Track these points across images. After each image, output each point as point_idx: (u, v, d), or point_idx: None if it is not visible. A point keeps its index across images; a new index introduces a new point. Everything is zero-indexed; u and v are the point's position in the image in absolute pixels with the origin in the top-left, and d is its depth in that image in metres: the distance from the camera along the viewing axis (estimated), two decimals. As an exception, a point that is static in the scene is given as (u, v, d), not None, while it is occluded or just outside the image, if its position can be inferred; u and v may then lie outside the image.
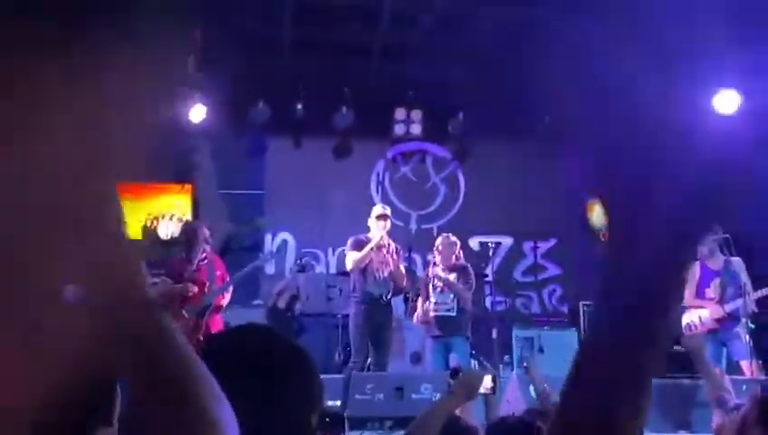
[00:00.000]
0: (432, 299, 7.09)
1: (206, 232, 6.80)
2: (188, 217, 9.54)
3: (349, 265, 7.12)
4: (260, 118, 9.48)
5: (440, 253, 7.15)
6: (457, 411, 3.29)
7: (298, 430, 1.07)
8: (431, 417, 3.01)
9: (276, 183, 10.09)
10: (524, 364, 4.46)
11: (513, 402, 6.07)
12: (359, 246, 7.11)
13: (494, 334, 7.38)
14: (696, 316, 6.96)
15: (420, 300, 7.34)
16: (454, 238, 7.30)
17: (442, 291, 7.06)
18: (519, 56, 8.74)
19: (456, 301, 7.03)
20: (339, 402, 6.29)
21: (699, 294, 7.01)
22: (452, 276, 7.06)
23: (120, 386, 1.81)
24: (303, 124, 9.76)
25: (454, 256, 7.16)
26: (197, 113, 8.96)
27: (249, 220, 9.92)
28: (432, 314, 7.07)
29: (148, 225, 9.85)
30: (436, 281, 7.12)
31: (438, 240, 7.30)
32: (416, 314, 7.33)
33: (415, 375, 7.00)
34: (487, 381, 3.23)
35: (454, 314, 7.02)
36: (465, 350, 7.07)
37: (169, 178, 9.89)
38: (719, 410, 3.72)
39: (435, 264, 7.22)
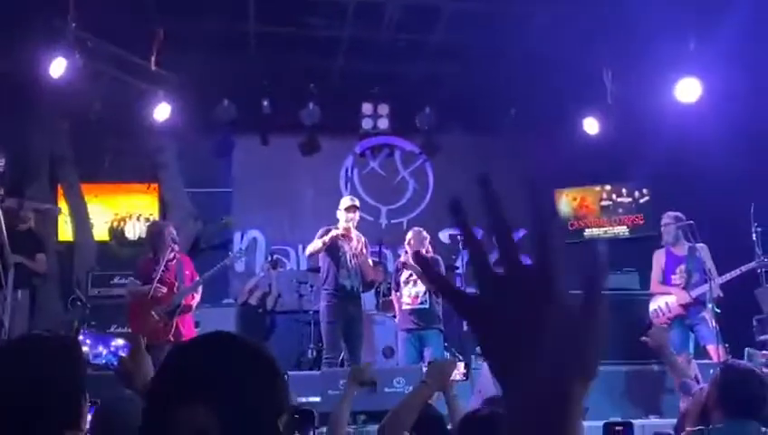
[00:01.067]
0: (404, 292, 7.12)
1: (173, 232, 6.74)
2: (155, 216, 9.45)
3: (307, 251, 7.17)
4: (226, 115, 9.42)
5: (411, 246, 7.18)
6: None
7: (262, 433, 1.07)
8: (405, 408, 3.03)
9: (244, 181, 10.03)
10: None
11: (485, 392, 6.10)
12: (324, 234, 7.10)
13: (466, 326, 7.39)
14: (663, 302, 7.05)
15: (393, 294, 7.37)
16: (424, 232, 7.33)
17: (415, 284, 7.09)
18: (484, 49, 8.79)
19: (428, 294, 7.06)
20: (318, 398, 6.27)
21: (665, 280, 7.10)
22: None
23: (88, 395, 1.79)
24: (270, 121, 9.71)
25: (424, 250, 7.19)
26: (162, 112, 8.86)
27: (217, 219, 9.85)
28: (405, 307, 7.09)
29: (115, 226, 9.74)
30: (406, 274, 7.15)
31: (409, 234, 7.33)
32: (394, 305, 7.36)
33: (388, 369, 6.99)
34: (460, 368, 3.24)
35: (427, 306, 7.06)
36: (438, 342, 7.11)
37: (135, 178, 9.79)
38: (685, 396, 3.79)
39: (405, 259, 7.24)
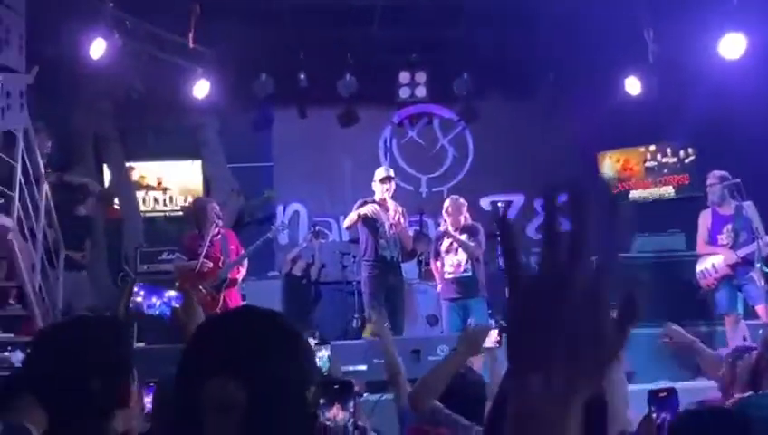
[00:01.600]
0: (446, 261, 7.13)
1: (216, 207, 6.83)
2: (199, 193, 9.59)
3: (344, 224, 7.22)
4: (263, 90, 9.46)
5: (450, 215, 7.16)
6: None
7: (291, 406, 1.08)
8: (435, 375, 3.05)
9: (284, 154, 10.10)
10: None
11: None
12: (361, 206, 7.15)
13: (508, 293, 7.38)
14: (710, 263, 6.94)
15: (432, 262, 7.38)
16: (461, 199, 7.31)
17: (456, 252, 7.08)
18: (521, 12, 8.66)
19: (470, 262, 7.05)
20: (364, 367, 6.35)
21: (712, 240, 6.98)
22: (463, 237, 7.07)
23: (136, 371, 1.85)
24: (307, 94, 9.73)
25: (462, 217, 7.17)
26: (201, 89, 8.95)
27: (259, 193, 9.95)
28: (448, 276, 7.10)
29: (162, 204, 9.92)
30: (446, 243, 7.14)
31: (447, 202, 7.31)
32: (436, 275, 7.36)
33: (431, 337, 7.05)
34: (493, 335, 3.23)
35: (470, 274, 7.06)
36: (482, 310, 7.11)
37: (178, 155, 9.92)
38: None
39: (445, 228, 7.21)
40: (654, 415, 2.06)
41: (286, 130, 10.16)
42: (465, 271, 7.05)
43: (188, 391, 1.07)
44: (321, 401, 1.98)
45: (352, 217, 7.10)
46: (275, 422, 1.07)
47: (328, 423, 1.97)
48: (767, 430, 1.87)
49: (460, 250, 7.05)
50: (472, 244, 7.03)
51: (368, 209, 7.07)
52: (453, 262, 7.08)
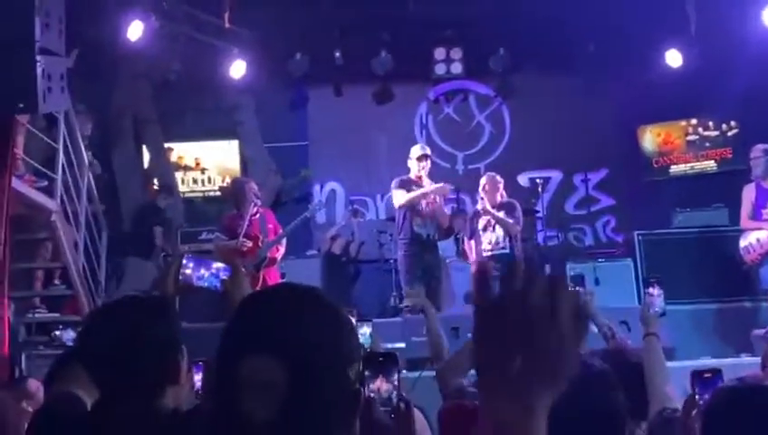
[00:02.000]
0: (484, 239, 7.08)
1: (254, 187, 6.87)
2: (237, 173, 9.66)
3: (399, 201, 7.10)
4: (299, 69, 9.47)
5: (486, 192, 7.09)
6: None
7: (333, 385, 1.05)
8: (464, 353, 3.04)
9: (320, 133, 10.11)
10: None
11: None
12: (405, 184, 7.11)
13: (547, 269, 7.34)
14: (754, 238, 6.81)
15: (467, 242, 7.34)
16: (498, 177, 7.23)
17: (494, 229, 7.03)
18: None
19: (508, 238, 7.00)
20: (402, 344, 6.37)
21: (756, 215, 6.84)
22: (500, 214, 7.02)
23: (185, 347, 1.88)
24: (343, 72, 9.71)
25: (499, 195, 7.10)
26: (238, 69, 8.99)
27: (296, 172, 9.99)
28: (486, 253, 7.05)
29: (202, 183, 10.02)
30: (484, 221, 7.08)
31: (483, 180, 7.23)
32: (470, 254, 7.33)
33: (470, 315, 7.03)
34: None
35: (507, 251, 7.00)
36: None
37: (216, 135, 10.00)
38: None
39: (482, 206, 7.15)
40: (697, 396, 2.03)
41: (322, 108, 10.16)
42: (503, 248, 7.00)
43: (227, 370, 1.05)
44: (366, 373, 1.98)
45: (409, 196, 7.02)
46: (317, 402, 1.04)
47: (372, 395, 1.98)
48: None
49: (497, 227, 6.99)
50: (510, 221, 6.97)
51: (438, 190, 7.06)
52: (491, 239, 7.04)
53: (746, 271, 7.04)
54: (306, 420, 1.03)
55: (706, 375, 2.06)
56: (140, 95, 9.56)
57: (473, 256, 7.27)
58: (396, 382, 2.03)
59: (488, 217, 7.03)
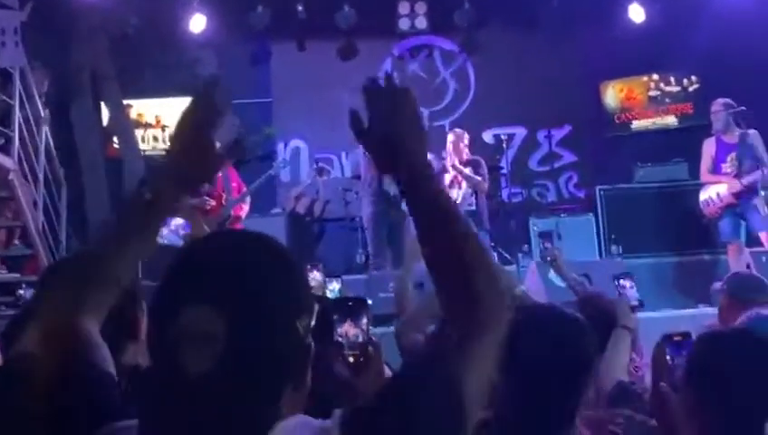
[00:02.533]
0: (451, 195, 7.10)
1: (216, 144, 6.77)
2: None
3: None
4: (260, 22, 9.27)
5: (453, 149, 7.08)
6: None
7: (278, 337, 0.98)
8: (423, 312, 3.06)
9: (283, 89, 9.98)
10: (548, 258, 4.48)
11: (533, 290, 6.15)
12: None
13: (512, 226, 7.39)
14: (714, 192, 6.92)
15: None
16: (464, 133, 7.23)
17: (460, 187, 7.03)
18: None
19: (474, 196, 7.01)
20: (369, 302, 6.39)
21: (716, 169, 6.95)
22: (467, 170, 7.03)
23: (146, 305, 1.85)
24: (306, 26, 9.56)
25: (465, 152, 7.10)
26: (198, 23, 8.80)
27: (259, 129, 9.87)
28: None
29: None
30: (449, 178, 7.09)
31: (450, 137, 7.23)
32: None
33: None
34: None
35: (474, 208, 7.02)
36: (485, 243, 7.11)
37: (177, 92, 9.80)
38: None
39: (452, 162, 7.12)
40: (668, 357, 2.06)
41: (285, 64, 10.02)
42: (469, 205, 7.02)
43: (163, 321, 0.98)
44: (335, 317, 1.96)
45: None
46: (258, 355, 0.96)
47: (340, 339, 1.97)
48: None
49: (464, 184, 7.01)
50: (478, 178, 6.98)
51: None
52: (457, 196, 7.05)
53: (706, 224, 7.16)
54: (246, 373, 0.96)
55: (677, 338, 2.10)
56: (98, 50, 9.31)
57: None
58: (364, 327, 2.03)
59: (454, 174, 7.03)
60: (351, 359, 2.24)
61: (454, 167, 7.03)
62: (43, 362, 1.16)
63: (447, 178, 7.13)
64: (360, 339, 2.07)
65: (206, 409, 0.95)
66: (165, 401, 0.97)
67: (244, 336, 0.95)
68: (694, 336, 1.95)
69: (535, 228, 8.18)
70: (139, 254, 1.34)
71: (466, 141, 7.19)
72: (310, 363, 1.04)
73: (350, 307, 2.04)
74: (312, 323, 1.05)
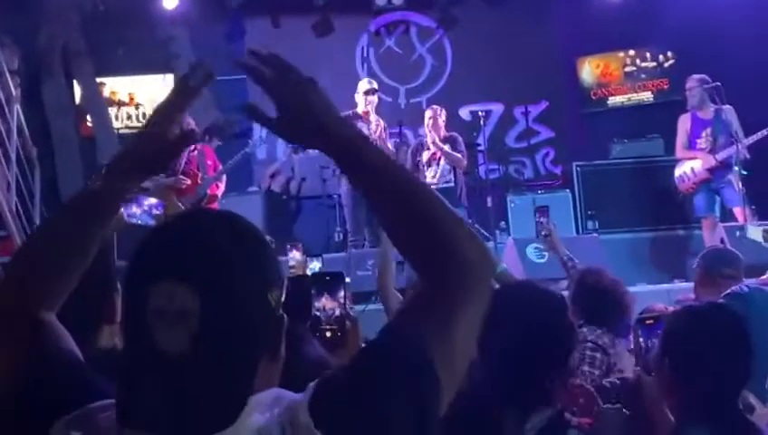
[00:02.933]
0: (428, 173, 7.07)
1: (191, 122, 6.69)
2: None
3: None
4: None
5: (432, 126, 7.06)
6: None
7: (251, 311, 0.99)
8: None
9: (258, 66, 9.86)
10: (543, 233, 4.46)
11: (510, 267, 6.18)
12: (353, 120, 7.01)
13: (489, 202, 7.41)
14: (689, 167, 6.99)
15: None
16: (442, 110, 7.21)
17: (438, 164, 7.02)
18: None
19: (452, 172, 7.00)
20: (348, 279, 6.40)
21: (691, 145, 7.01)
22: (446, 147, 7.01)
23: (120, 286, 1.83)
24: (280, 3, 9.46)
25: (442, 130, 7.09)
26: (170, 0, 8.67)
27: (235, 107, 9.77)
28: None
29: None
30: (428, 155, 7.08)
31: (428, 113, 7.21)
32: None
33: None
34: None
35: (452, 184, 7.01)
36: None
37: (150, 69, 9.68)
38: None
39: (432, 138, 7.08)
40: (641, 340, 2.08)
41: (260, 41, 9.87)
42: (447, 181, 7.01)
43: (135, 302, 0.98)
44: (312, 291, 1.95)
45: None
46: (233, 329, 0.97)
47: (318, 314, 1.97)
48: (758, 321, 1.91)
49: (442, 161, 6.99)
50: (458, 155, 6.96)
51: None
52: (435, 173, 7.03)
53: (681, 200, 7.24)
54: (220, 348, 0.96)
55: (649, 322, 2.12)
56: (69, 27, 9.14)
57: None
58: (342, 300, 2.03)
59: (433, 151, 7.01)
60: (329, 333, 2.25)
61: (434, 143, 7.02)
62: (5, 357, 1.15)
63: (426, 155, 7.12)
64: (338, 313, 2.07)
65: (183, 385, 0.95)
66: (142, 380, 0.97)
67: (217, 311, 0.95)
68: (671, 310, 1.97)
69: (512, 205, 8.22)
70: (93, 240, 1.32)
71: (444, 118, 7.18)
72: (283, 335, 1.05)
73: (327, 282, 2.04)
74: (283, 297, 1.05)
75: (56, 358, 1.16)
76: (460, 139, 7.24)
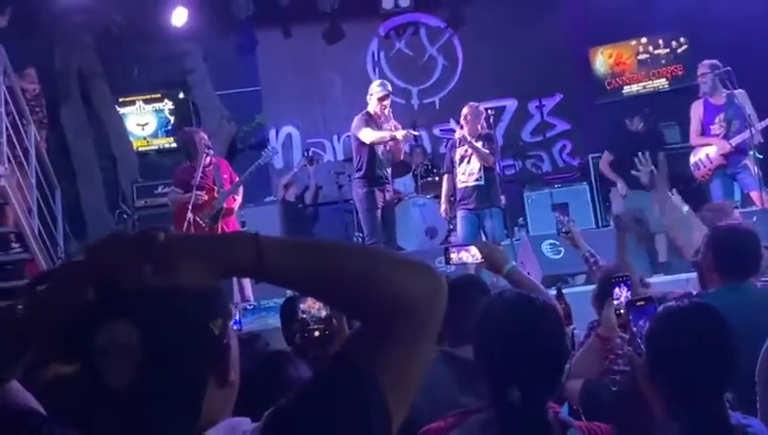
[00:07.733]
0: (459, 170, 6.88)
1: (205, 137, 6.77)
2: (190, 123, 9.52)
3: (369, 138, 6.73)
4: (244, 11, 9.24)
5: (468, 122, 6.87)
6: None
7: (192, 339, 1.02)
8: None
9: (271, 77, 9.96)
10: (564, 230, 4.33)
11: (527, 264, 6.18)
12: (370, 122, 6.85)
13: (503, 200, 7.22)
14: (704, 154, 6.92)
15: (447, 176, 7.10)
16: (481, 107, 7.01)
17: (469, 161, 6.84)
18: None
19: (482, 170, 6.79)
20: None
21: (705, 131, 6.94)
22: (478, 144, 6.80)
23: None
24: (290, 12, 9.53)
25: (480, 125, 6.90)
26: (180, 16, 8.78)
27: (250, 118, 9.87)
28: (460, 185, 6.86)
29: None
30: (461, 151, 6.86)
31: (465, 110, 6.96)
32: (443, 190, 7.14)
33: (430, 250, 7.10)
34: (470, 251, 3.17)
35: (482, 183, 6.80)
36: (499, 221, 6.83)
37: (165, 87, 9.81)
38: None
39: (462, 135, 6.88)
40: (631, 323, 2.09)
41: (271, 51, 9.99)
42: (477, 179, 6.79)
43: (81, 336, 1.00)
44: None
45: (378, 136, 6.78)
46: (174, 359, 1.00)
47: (304, 316, 1.99)
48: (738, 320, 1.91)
49: (473, 158, 6.78)
50: (486, 151, 6.75)
51: (402, 135, 6.84)
52: (466, 170, 6.83)
53: (697, 187, 7.16)
54: (164, 379, 1.00)
55: (639, 303, 2.12)
56: (84, 49, 9.31)
57: (445, 190, 7.07)
58: None
59: (465, 148, 6.79)
60: (317, 333, 2.28)
61: (462, 138, 6.77)
62: None
63: (460, 151, 6.89)
64: (323, 314, 2.09)
65: (135, 417, 1.00)
66: (95, 418, 1.01)
67: (158, 345, 0.99)
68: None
69: (529, 201, 8.19)
70: None
71: (483, 115, 6.95)
72: (230, 362, 1.08)
73: None
74: (229, 323, 1.09)
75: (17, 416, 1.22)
76: (495, 136, 7.11)
